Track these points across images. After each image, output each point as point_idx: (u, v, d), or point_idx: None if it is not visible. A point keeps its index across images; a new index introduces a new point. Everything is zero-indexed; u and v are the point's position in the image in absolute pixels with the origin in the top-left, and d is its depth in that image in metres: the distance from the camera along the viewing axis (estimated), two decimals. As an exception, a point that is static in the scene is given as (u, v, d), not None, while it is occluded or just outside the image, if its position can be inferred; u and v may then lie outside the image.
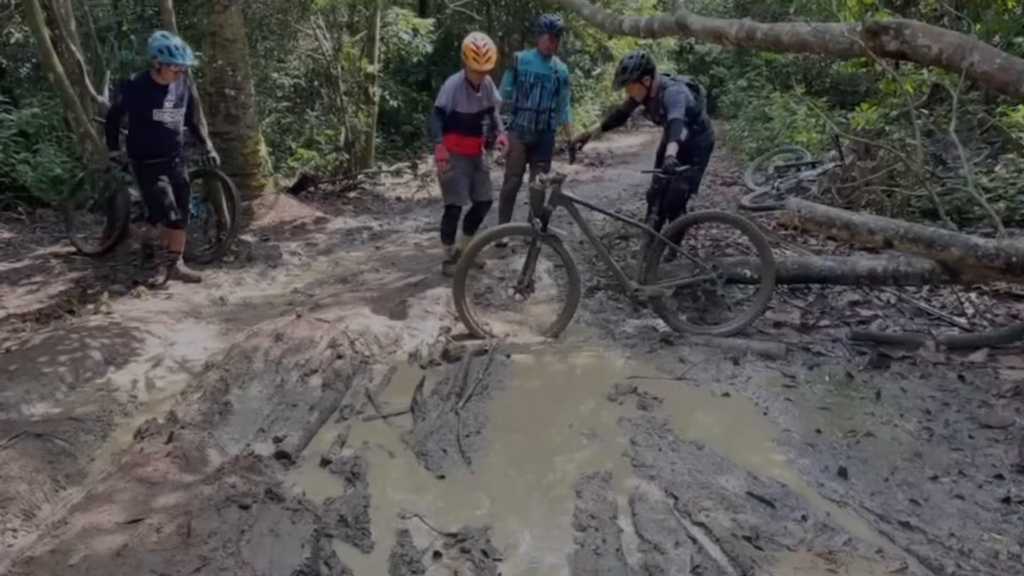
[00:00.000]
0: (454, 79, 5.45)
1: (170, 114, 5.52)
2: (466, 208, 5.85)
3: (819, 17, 10.31)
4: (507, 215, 6.48)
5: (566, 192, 4.67)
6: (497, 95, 5.72)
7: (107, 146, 5.71)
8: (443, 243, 5.93)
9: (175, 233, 5.81)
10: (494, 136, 5.72)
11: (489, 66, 5.29)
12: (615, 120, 5.93)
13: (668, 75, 5.43)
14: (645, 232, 4.78)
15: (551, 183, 4.62)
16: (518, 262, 5.76)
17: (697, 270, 4.81)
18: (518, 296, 4.94)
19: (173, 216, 5.68)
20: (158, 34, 5.43)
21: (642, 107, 5.49)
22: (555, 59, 6.26)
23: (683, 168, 4.81)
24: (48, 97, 8.79)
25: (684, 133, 4.83)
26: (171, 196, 5.64)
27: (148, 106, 5.42)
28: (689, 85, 5.31)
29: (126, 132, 5.63)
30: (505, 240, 6.43)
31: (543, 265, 5.81)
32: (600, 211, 5.15)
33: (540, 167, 6.40)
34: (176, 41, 5.35)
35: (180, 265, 5.91)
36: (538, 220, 4.61)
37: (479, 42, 5.25)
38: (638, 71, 5.14)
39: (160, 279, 5.78)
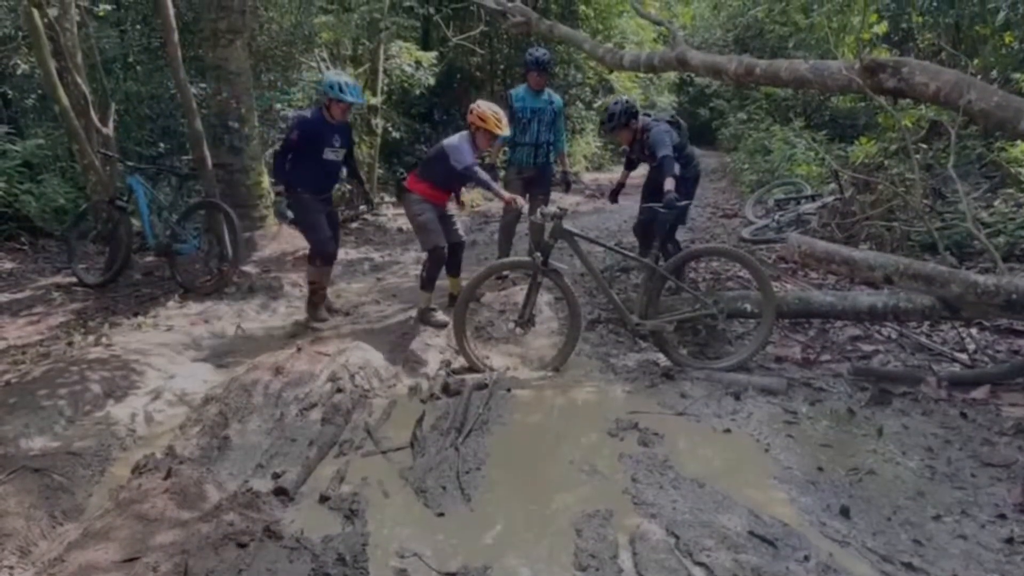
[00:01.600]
0: (463, 142, 5.12)
1: (336, 153, 5.46)
2: None
3: (818, 53, 10.44)
4: (506, 247, 6.49)
5: (567, 226, 4.69)
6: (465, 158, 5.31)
7: (274, 178, 5.60)
8: (425, 290, 5.47)
9: (325, 271, 5.74)
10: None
11: (508, 132, 5.29)
12: (630, 165, 6.13)
13: (649, 115, 5.56)
14: (646, 266, 4.80)
15: (552, 217, 4.64)
16: (519, 295, 5.76)
17: (698, 304, 4.81)
18: (519, 330, 4.94)
19: (331, 251, 5.66)
20: (330, 72, 5.48)
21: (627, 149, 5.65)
22: (548, 91, 6.32)
23: (685, 203, 4.87)
24: (53, 128, 8.87)
25: (677, 167, 5.00)
26: (328, 232, 5.59)
27: (320, 143, 5.34)
28: (670, 122, 5.48)
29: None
30: (505, 273, 6.44)
31: (544, 298, 5.81)
32: (601, 245, 5.18)
33: (540, 200, 6.44)
34: (348, 79, 5.38)
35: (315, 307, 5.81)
36: (539, 254, 4.63)
37: (496, 109, 5.17)
38: (624, 116, 5.29)
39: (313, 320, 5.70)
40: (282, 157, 5.32)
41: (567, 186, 6.95)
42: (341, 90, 5.24)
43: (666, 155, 5.01)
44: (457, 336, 4.69)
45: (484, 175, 5.09)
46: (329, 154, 5.40)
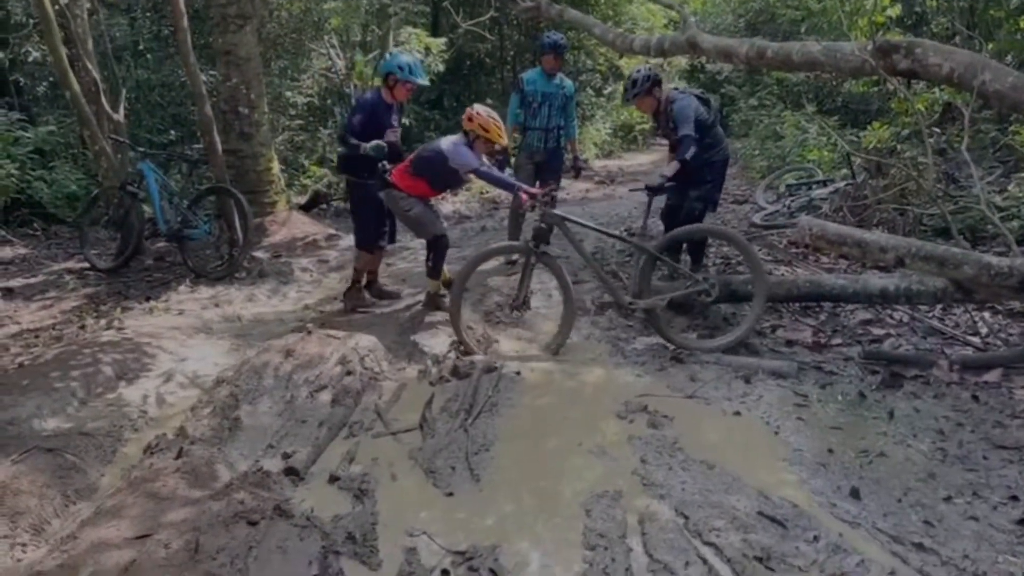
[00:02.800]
0: (463, 147, 4.89)
1: (395, 134, 5.36)
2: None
3: (831, 37, 10.33)
4: (515, 232, 6.48)
5: (556, 211, 4.74)
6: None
7: (348, 154, 5.26)
8: (435, 279, 5.34)
9: (375, 256, 5.68)
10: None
11: (507, 141, 5.14)
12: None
13: (677, 89, 5.43)
14: (636, 247, 4.80)
15: (541, 202, 4.67)
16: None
17: (690, 283, 4.83)
18: (515, 313, 4.99)
19: (383, 241, 5.59)
20: (395, 51, 5.35)
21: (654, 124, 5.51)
22: (560, 76, 6.29)
23: (670, 184, 4.85)
24: (64, 115, 8.91)
25: (692, 151, 4.84)
26: (384, 226, 5.51)
27: (382, 127, 5.22)
28: (699, 98, 5.28)
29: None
30: (515, 257, 6.42)
31: (553, 283, 5.80)
32: (590, 228, 5.12)
33: (550, 185, 6.43)
34: (412, 58, 5.30)
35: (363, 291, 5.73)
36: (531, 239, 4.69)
37: (496, 116, 4.96)
38: (647, 83, 5.15)
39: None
40: (349, 141, 5.11)
41: (577, 172, 6.92)
42: (411, 71, 5.13)
43: (687, 135, 4.84)
44: (454, 321, 4.69)
45: (495, 172, 5.00)
46: (390, 136, 5.27)
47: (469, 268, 4.75)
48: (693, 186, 5.34)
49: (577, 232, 5.02)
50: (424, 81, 5.31)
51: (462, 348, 4.71)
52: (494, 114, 4.98)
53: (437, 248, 5.24)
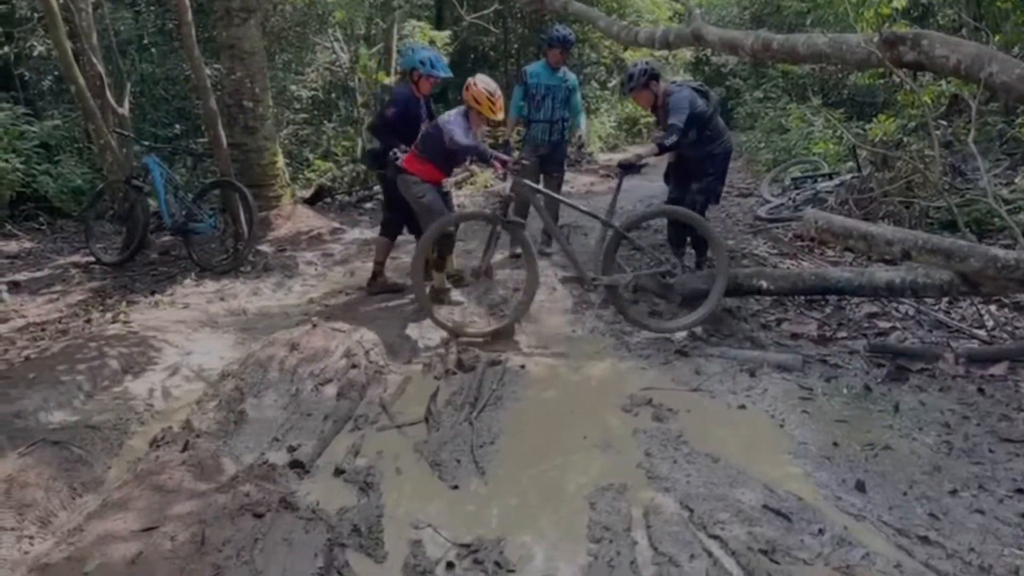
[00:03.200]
0: (459, 119, 4.95)
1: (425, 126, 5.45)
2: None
3: (836, 29, 10.28)
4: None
5: (526, 181, 4.91)
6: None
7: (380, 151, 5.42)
8: (438, 271, 5.40)
9: (385, 244, 5.82)
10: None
11: (502, 115, 5.14)
12: None
13: (675, 82, 5.42)
14: (603, 224, 4.84)
15: (512, 170, 4.76)
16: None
17: (654, 262, 4.93)
18: (477, 279, 5.25)
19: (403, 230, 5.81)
20: (416, 45, 5.47)
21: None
22: (564, 69, 6.28)
23: (641, 165, 4.95)
24: (69, 109, 8.93)
25: (674, 139, 4.87)
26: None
27: (417, 118, 5.37)
28: (697, 90, 5.27)
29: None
30: (518, 250, 6.40)
31: (559, 276, 5.80)
32: (558, 199, 5.33)
33: (555, 177, 6.44)
34: (432, 52, 5.41)
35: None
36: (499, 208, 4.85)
37: (493, 89, 4.98)
38: (644, 76, 5.15)
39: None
40: (384, 134, 5.31)
41: (579, 153, 6.93)
42: (433, 65, 5.26)
43: (674, 124, 4.86)
44: (417, 292, 4.87)
45: (471, 142, 4.92)
46: (423, 128, 5.36)
47: (433, 236, 4.82)
48: (695, 178, 5.34)
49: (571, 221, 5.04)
50: (446, 73, 5.38)
51: (435, 323, 4.85)
52: (493, 86, 5.01)
53: (440, 241, 5.18)
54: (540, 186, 6.00)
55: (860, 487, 3.00)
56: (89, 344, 4.44)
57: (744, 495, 2.94)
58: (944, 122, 7.13)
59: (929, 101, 6.71)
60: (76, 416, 3.70)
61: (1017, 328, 4.58)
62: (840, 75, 13.18)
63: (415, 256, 4.83)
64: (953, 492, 2.97)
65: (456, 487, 3.11)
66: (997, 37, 7.73)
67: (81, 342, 4.49)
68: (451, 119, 4.94)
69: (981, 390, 3.81)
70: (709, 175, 5.32)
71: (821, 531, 2.68)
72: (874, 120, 7.89)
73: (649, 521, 2.79)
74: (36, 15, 8.96)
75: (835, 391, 3.96)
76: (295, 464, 3.21)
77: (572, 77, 6.35)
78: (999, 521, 2.77)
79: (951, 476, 3.09)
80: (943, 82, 7.23)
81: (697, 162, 5.23)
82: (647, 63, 5.24)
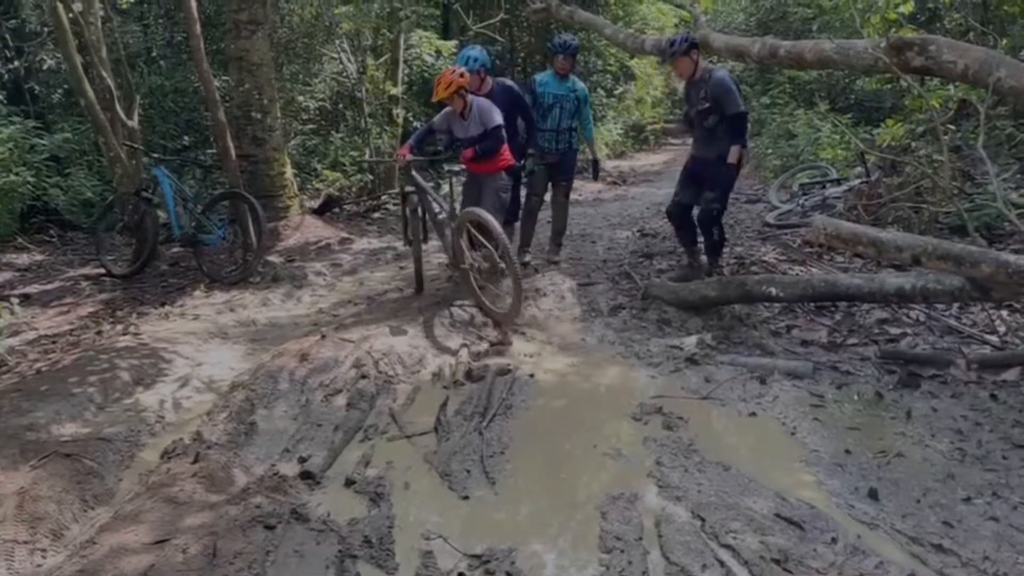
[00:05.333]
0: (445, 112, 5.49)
1: None
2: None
3: (843, 34, 10.28)
4: (528, 233, 6.49)
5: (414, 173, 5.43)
6: (496, 117, 5.24)
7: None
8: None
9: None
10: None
11: (443, 95, 5.11)
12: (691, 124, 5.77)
13: (712, 63, 5.46)
14: (448, 218, 5.32)
15: (405, 164, 5.36)
16: (541, 281, 5.78)
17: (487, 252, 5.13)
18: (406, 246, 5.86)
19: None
20: (469, 47, 5.91)
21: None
22: (573, 78, 6.28)
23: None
24: (79, 122, 8.97)
25: (746, 125, 4.94)
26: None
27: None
28: None
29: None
30: (527, 259, 6.40)
31: (567, 284, 5.80)
32: (428, 193, 5.58)
33: (563, 186, 6.43)
34: (471, 51, 5.74)
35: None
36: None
37: (449, 75, 5.10)
38: (686, 43, 5.25)
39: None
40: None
41: (595, 174, 6.97)
42: (477, 63, 5.66)
43: (741, 112, 4.93)
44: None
45: (418, 133, 5.65)
46: None
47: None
48: (709, 186, 5.32)
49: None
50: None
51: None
52: (456, 68, 5.24)
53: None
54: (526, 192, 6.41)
55: (873, 495, 2.99)
56: (100, 356, 4.46)
57: (756, 504, 2.93)
58: (952, 126, 7.09)
59: (937, 105, 6.69)
60: (88, 428, 3.71)
61: (1029, 333, 4.55)
62: (847, 80, 13.14)
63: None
64: (967, 499, 2.95)
65: (467, 497, 3.10)
66: (1005, 41, 7.71)
67: (92, 354, 4.51)
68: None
69: (994, 396, 3.79)
70: (723, 179, 5.31)
71: (834, 540, 2.67)
72: (882, 125, 7.85)
73: (661, 531, 2.79)
74: (46, 29, 9.01)
75: (846, 398, 3.94)
76: (306, 475, 3.22)
77: (582, 86, 6.35)
78: (1014, 528, 2.75)
79: (964, 483, 3.07)
80: (951, 86, 7.21)
81: (712, 164, 5.21)
82: (688, 33, 5.36)
